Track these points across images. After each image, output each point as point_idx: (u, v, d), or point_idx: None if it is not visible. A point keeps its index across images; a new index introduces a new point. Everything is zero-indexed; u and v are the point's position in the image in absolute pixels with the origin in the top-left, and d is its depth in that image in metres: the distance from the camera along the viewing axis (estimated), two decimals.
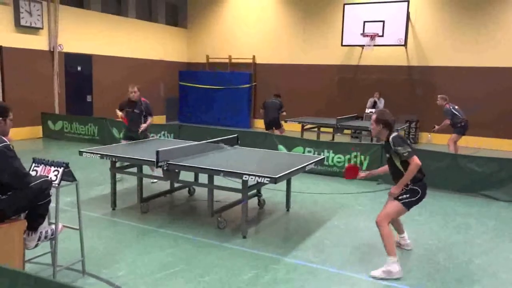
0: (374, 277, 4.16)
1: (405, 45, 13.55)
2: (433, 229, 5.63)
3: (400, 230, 4.88)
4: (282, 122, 11.11)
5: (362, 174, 4.81)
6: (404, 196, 4.26)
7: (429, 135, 13.46)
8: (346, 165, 4.78)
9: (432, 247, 5.00)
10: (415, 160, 4.13)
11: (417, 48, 14.06)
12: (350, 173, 4.84)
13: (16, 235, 3.41)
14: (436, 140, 12.32)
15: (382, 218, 4.27)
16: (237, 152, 6.28)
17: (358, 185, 7.74)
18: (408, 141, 4.29)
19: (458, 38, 13.50)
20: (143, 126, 7.34)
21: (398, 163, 4.26)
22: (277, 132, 10.55)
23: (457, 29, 13.49)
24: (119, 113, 7.47)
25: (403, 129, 12.11)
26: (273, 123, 10.76)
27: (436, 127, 9.68)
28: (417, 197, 4.26)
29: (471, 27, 13.31)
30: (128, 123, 7.45)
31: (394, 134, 4.28)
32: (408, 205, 4.28)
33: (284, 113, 10.98)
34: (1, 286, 2.36)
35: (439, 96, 9.82)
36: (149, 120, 7.48)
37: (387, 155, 4.40)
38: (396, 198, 4.29)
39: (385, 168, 4.63)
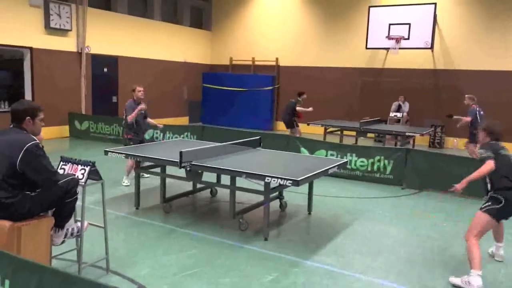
0: (453, 284, 4.09)
1: (431, 48, 13.33)
2: (459, 236, 5.50)
3: (497, 238, 4.72)
4: (301, 124, 11.18)
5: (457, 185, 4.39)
6: (487, 204, 4.15)
7: (455, 140, 13.19)
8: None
9: (458, 255, 4.88)
10: (489, 164, 4.07)
11: (443, 51, 13.80)
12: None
13: (44, 232, 3.50)
14: (463, 145, 12.03)
15: (468, 233, 4.18)
16: (259, 154, 6.29)
17: (381, 190, 7.65)
18: (498, 150, 4.19)
19: (486, 41, 13.20)
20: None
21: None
22: (290, 132, 10.67)
23: (486, 32, 13.19)
24: (132, 116, 7.29)
25: (428, 133, 11.90)
26: (286, 124, 11.19)
27: (459, 117, 9.45)
28: (499, 206, 4.07)
29: (500, 30, 12.99)
30: (135, 125, 7.37)
31: (490, 141, 4.30)
32: (491, 213, 4.10)
33: (299, 109, 11.10)
34: (30, 281, 2.42)
35: (466, 95, 9.57)
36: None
37: None
38: (480, 209, 4.19)
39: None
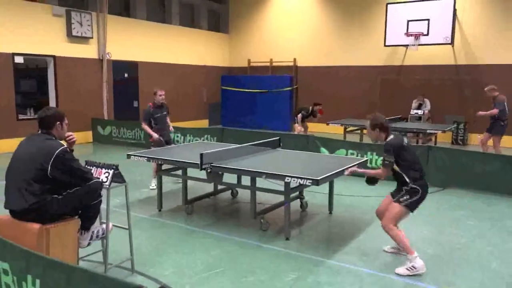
0: (399, 275, 4.18)
1: (452, 43, 13.11)
2: (484, 234, 5.41)
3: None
4: (320, 124, 11.40)
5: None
6: (404, 197, 4.30)
7: (478, 136, 12.92)
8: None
9: (484, 253, 4.81)
10: (382, 172, 4.35)
11: (464, 46, 13.56)
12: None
13: (71, 233, 3.60)
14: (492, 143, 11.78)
15: (387, 222, 4.33)
16: (279, 155, 6.32)
17: None
18: (394, 150, 4.30)
19: (508, 34, 12.90)
20: (171, 126, 7.71)
21: (395, 166, 4.34)
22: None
23: (507, 25, 12.90)
24: (151, 132, 7.32)
25: (450, 129, 11.70)
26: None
27: (481, 113, 9.29)
28: (417, 197, 4.28)
29: None
30: (155, 128, 7.42)
31: (390, 138, 4.40)
32: (409, 207, 4.31)
33: (299, 116, 11.71)
34: (59, 280, 2.51)
35: (486, 89, 9.38)
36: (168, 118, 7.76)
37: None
38: (398, 201, 4.32)
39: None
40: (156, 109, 7.49)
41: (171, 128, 7.85)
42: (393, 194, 4.54)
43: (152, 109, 7.48)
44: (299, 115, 11.60)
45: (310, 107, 11.77)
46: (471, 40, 13.48)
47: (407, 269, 4.20)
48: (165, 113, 7.59)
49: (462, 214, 6.18)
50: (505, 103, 9.04)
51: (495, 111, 9.04)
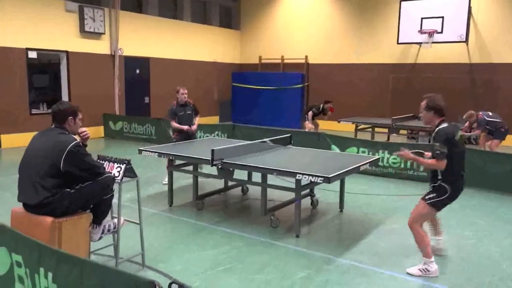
0: (410, 275, 4.12)
1: (466, 41, 12.93)
2: (495, 234, 5.34)
3: (436, 232, 4.62)
4: (331, 122, 11.31)
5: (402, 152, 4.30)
6: (431, 195, 4.07)
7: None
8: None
9: (495, 255, 4.74)
10: (439, 164, 3.91)
11: (479, 44, 13.37)
12: None
13: (83, 227, 3.63)
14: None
15: (412, 220, 4.14)
16: (290, 152, 6.29)
17: (414, 188, 7.49)
18: (454, 141, 3.95)
19: None
20: (195, 126, 7.52)
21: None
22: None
23: None
24: (180, 126, 7.30)
25: (463, 129, 11.54)
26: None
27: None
28: (444, 196, 4.00)
29: None
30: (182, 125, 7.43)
31: (444, 125, 4.01)
32: (435, 205, 4.06)
33: (310, 113, 11.61)
34: (71, 273, 2.52)
35: (465, 115, 9.43)
36: (198, 118, 7.65)
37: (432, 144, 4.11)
38: (423, 198, 4.12)
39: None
40: (179, 107, 7.43)
41: (193, 127, 7.50)
42: None
43: (175, 107, 7.44)
44: (310, 113, 11.55)
45: (321, 105, 11.71)
46: (486, 38, 13.28)
47: (419, 269, 4.14)
48: (189, 112, 7.48)
49: (472, 214, 6.10)
50: (487, 118, 9.02)
51: (477, 132, 9.19)
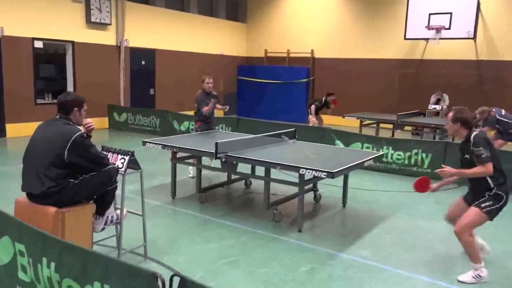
0: (463, 282, 3.97)
1: (474, 38, 12.82)
2: (500, 232, 5.31)
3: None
4: (335, 117, 11.52)
5: (433, 185, 4.33)
6: (488, 203, 3.88)
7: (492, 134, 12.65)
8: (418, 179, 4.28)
9: (498, 252, 4.72)
10: (488, 168, 3.76)
11: (487, 41, 13.24)
12: (420, 186, 4.35)
13: (87, 218, 3.64)
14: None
15: (463, 229, 3.91)
16: (294, 146, 6.28)
17: None
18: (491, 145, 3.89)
19: None
20: (220, 106, 7.62)
21: (476, 160, 3.87)
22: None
23: None
24: (212, 106, 7.33)
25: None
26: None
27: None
28: (500, 204, 3.89)
29: None
30: (206, 114, 7.42)
31: (477, 131, 3.92)
32: (491, 213, 3.90)
33: (312, 107, 11.45)
34: (74, 264, 2.53)
35: (478, 111, 9.02)
36: (219, 106, 7.67)
37: (466, 156, 3.98)
38: (478, 206, 3.90)
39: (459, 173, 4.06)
40: (205, 96, 7.47)
41: (226, 107, 7.90)
42: (467, 198, 4.15)
43: (201, 96, 7.50)
44: (312, 107, 11.47)
45: (323, 98, 11.57)
46: (494, 35, 13.15)
47: (473, 277, 3.98)
48: (213, 100, 7.55)
49: None
50: (498, 116, 8.51)
51: (484, 129, 8.83)
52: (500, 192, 3.89)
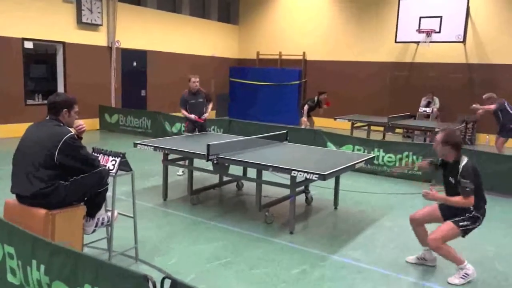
0: (454, 285, 4.01)
1: (464, 41, 12.96)
2: (491, 235, 5.36)
3: (425, 242, 4.30)
4: (326, 119, 11.43)
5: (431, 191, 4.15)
6: (466, 223, 4.02)
7: (487, 137, 12.82)
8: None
9: (489, 254, 4.77)
10: (470, 200, 3.91)
11: (477, 45, 13.40)
12: None
13: (77, 220, 3.60)
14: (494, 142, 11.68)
15: (438, 242, 3.98)
16: (286, 148, 6.29)
17: (409, 186, 7.52)
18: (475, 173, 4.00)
19: None
20: (207, 114, 7.54)
21: (460, 189, 3.99)
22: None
23: None
24: (188, 115, 7.44)
25: (459, 129, 11.59)
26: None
27: (476, 105, 9.10)
28: (476, 225, 4.08)
29: None
30: (192, 113, 7.48)
31: (466, 161, 4.02)
32: (466, 232, 4.08)
33: (305, 107, 11.42)
34: (64, 266, 2.51)
35: (485, 96, 9.14)
36: (210, 105, 7.63)
37: (451, 180, 4.06)
38: (456, 223, 4.00)
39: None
40: (191, 96, 7.49)
41: (203, 116, 7.56)
42: (444, 210, 4.21)
43: (186, 95, 7.51)
44: (306, 107, 11.50)
45: (316, 97, 11.63)
46: (483, 39, 13.31)
47: (461, 277, 4.02)
48: (201, 100, 7.53)
49: None
50: (507, 106, 8.80)
51: (486, 107, 8.91)
52: (478, 215, 4.04)
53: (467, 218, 4.04)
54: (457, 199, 3.99)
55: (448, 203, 4.07)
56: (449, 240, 4.07)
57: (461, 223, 4.02)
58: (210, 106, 7.71)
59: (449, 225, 4.05)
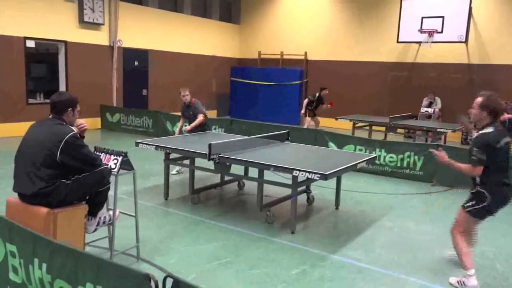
0: (451, 284, 3.96)
1: (466, 42, 12.94)
2: (492, 235, 5.36)
3: (469, 244, 4.13)
4: (328, 119, 11.35)
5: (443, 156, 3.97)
6: (470, 203, 3.79)
7: None
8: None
9: (490, 255, 4.77)
10: (476, 171, 3.66)
11: (479, 45, 13.38)
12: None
13: (79, 219, 3.61)
14: None
15: (453, 226, 3.91)
16: (287, 148, 6.29)
17: (410, 186, 7.52)
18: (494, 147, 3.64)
19: None
20: (189, 127, 7.47)
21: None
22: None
23: None
24: (179, 127, 7.78)
25: (460, 130, 11.58)
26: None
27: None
28: (484, 204, 3.71)
29: None
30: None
31: (488, 130, 3.68)
32: (475, 214, 3.79)
33: (305, 101, 11.72)
34: (66, 264, 2.52)
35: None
36: (199, 118, 7.54)
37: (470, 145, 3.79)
38: (462, 206, 3.86)
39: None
40: (185, 108, 7.66)
41: (186, 128, 7.53)
42: None
43: (182, 108, 7.74)
44: (305, 100, 11.63)
45: (317, 93, 11.74)
46: (485, 39, 13.29)
47: (457, 281, 3.89)
48: (191, 112, 7.55)
49: None
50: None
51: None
52: (483, 191, 3.72)
53: (471, 197, 3.80)
54: (463, 166, 3.75)
55: (453, 167, 3.84)
56: (465, 227, 3.89)
57: (466, 205, 3.84)
58: (199, 117, 7.50)
59: (458, 210, 3.92)
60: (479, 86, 13.40)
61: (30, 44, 11.30)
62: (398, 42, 13.84)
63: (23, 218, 3.33)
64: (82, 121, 3.79)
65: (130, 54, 13.81)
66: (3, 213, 3.43)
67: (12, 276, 2.92)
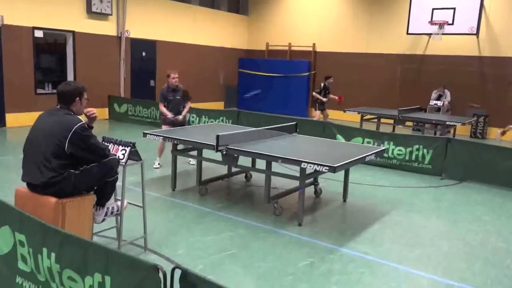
0: None
1: (477, 34, 12.74)
2: (501, 230, 5.31)
3: None
4: (337, 112, 11.35)
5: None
6: None
7: (498, 131, 12.64)
8: None
9: (500, 250, 4.72)
10: None
11: (490, 37, 13.17)
12: None
13: (87, 209, 3.62)
14: (507, 136, 11.53)
15: None
16: (295, 140, 6.25)
17: (419, 180, 7.47)
18: None
19: None
20: (184, 112, 7.39)
21: None
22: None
23: None
24: (165, 112, 7.23)
25: (470, 123, 11.46)
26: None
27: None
28: None
29: None
30: (170, 110, 7.30)
31: None
32: None
33: (314, 94, 11.85)
34: (74, 255, 2.52)
35: None
36: (189, 104, 7.50)
37: None
38: None
39: None
40: (169, 92, 7.37)
41: (179, 117, 7.28)
42: None
43: (165, 91, 7.40)
44: (314, 93, 11.90)
45: (321, 84, 11.80)
46: (497, 32, 13.07)
47: None
48: (178, 97, 7.40)
49: (479, 209, 6.07)
50: None
51: None
52: None
53: None
54: None
55: None
56: None
57: None
58: (188, 105, 7.49)
59: None
60: (490, 79, 13.26)
61: (39, 34, 11.30)
62: (408, 33, 13.66)
63: (32, 208, 3.34)
64: (92, 109, 3.76)
65: (138, 45, 13.78)
66: (12, 202, 3.44)
67: (21, 265, 2.94)
